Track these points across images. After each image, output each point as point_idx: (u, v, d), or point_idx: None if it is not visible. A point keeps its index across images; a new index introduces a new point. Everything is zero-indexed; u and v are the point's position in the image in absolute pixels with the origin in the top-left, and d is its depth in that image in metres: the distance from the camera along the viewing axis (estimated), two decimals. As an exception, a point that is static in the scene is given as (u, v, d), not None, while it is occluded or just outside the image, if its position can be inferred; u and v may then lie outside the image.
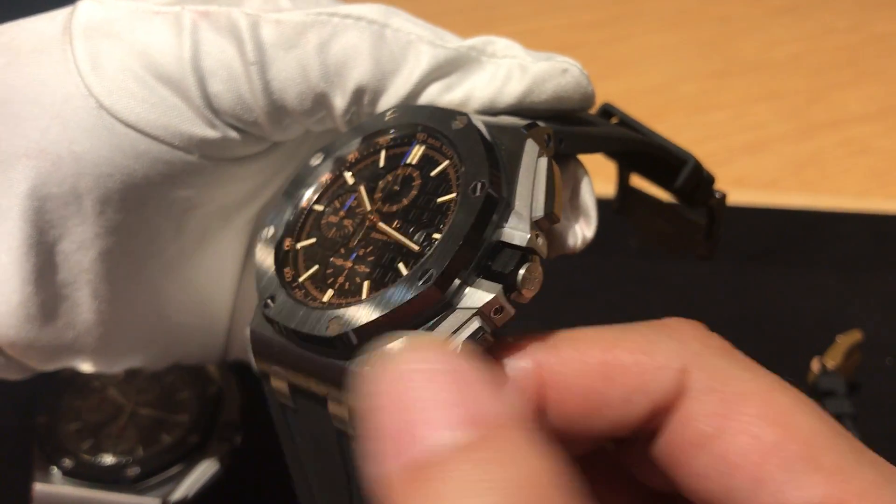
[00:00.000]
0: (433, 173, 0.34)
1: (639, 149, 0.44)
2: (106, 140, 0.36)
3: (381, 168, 0.35)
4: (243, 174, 0.41)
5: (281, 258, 0.34)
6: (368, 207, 0.34)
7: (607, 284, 0.73)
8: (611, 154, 0.48)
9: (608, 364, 0.29)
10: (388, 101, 0.37)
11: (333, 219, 0.35)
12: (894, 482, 0.26)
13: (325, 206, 0.36)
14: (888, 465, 0.27)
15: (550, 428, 0.30)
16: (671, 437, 0.29)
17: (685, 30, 1.12)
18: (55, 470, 0.51)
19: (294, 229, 0.35)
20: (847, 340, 0.63)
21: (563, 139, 0.35)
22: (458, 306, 0.29)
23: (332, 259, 0.33)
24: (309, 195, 0.36)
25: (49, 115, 0.36)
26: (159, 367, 0.47)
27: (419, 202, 0.33)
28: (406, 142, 0.35)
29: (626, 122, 0.43)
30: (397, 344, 0.26)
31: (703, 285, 0.73)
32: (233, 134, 0.37)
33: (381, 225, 0.33)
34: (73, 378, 0.55)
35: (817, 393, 0.61)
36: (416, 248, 0.31)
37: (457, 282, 0.29)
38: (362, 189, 0.35)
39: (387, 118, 0.36)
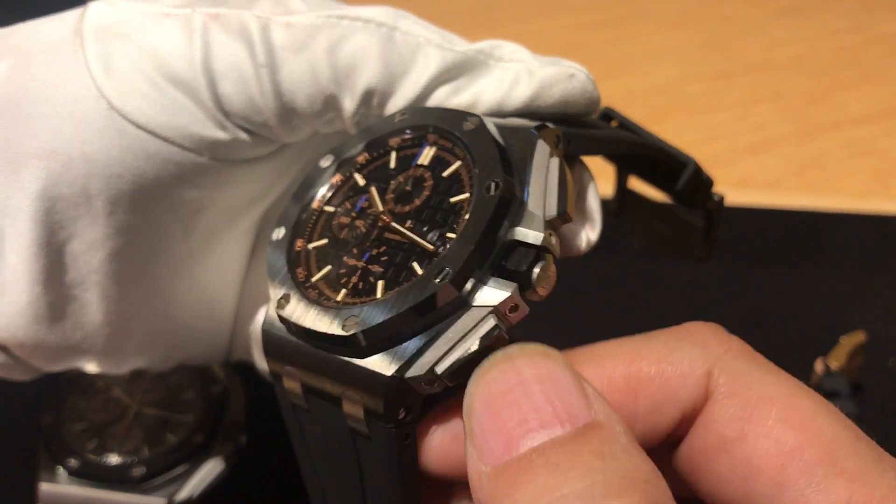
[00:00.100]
0: (445, 174, 0.34)
1: (641, 151, 0.44)
2: (117, 141, 0.36)
3: (392, 169, 0.35)
4: (251, 175, 0.41)
5: (293, 259, 0.34)
6: (381, 208, 0.34)
7: (610, 285, 0.73)
8: (612, 156, 0.48)
9: (633, 377, 0.30)
10: (397, 103, 0.37)
11: (345, 219, 0.35)
12: None
13: (337, 208, 0.36)
14: None
15: None
16: (692, 441, 0.29)
17: (688, 30, 1.12)
18: (61, 470, 0.51)
19: (305, 230, 0.35)
20: (851, 341, 0.63)
21: (571, 141, 0.36)
22: (474, 304, 0.29)
23: (344, 259, 0.33)
24: (319, 196, 0.36)
25: (60, 116, 0.36)
26: (165, 367, 0.47)
27: (431, 202, 0.33)
28: (417, 143, 0.35)
29: (626, 126, 0.44)
30: (497, 354, 0.28)
31: (706, 286, 0.73)
32: (243, 136, 0.38)
33: (395, 225, 0.33)
34: (79, 378, 0.55)
35: (821, 394, 0.61)
36: (430, 247, 0.31)
37: (472, 280, 0.29)
38: (374, 190, 0.35)
39: (397, 120, 0.36)
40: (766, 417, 0.28)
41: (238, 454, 0.53)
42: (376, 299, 0.31)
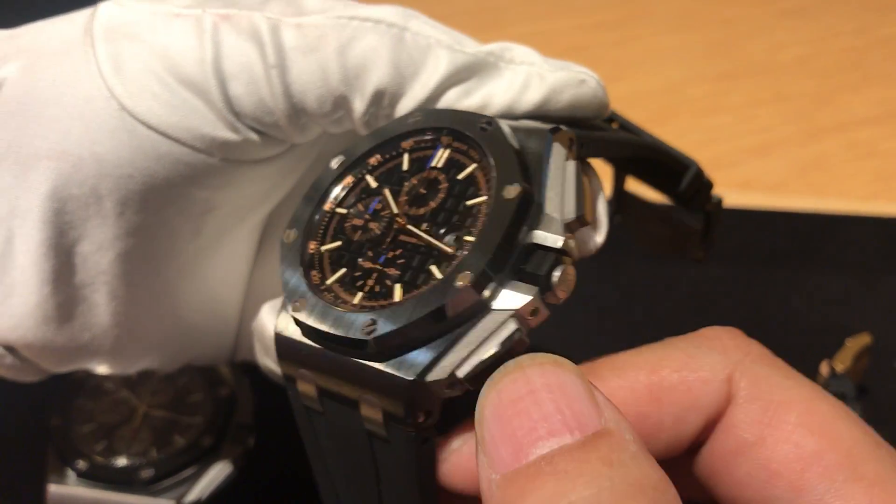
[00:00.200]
0: (460, 176, 0.34)
1: (646, 154, 0.44)
2: (127, 142, 0.36)
3: (405, 171, 0.35)
4: (260, 175, 0.41)
5: (307, 261, 0.34)
6: (395, 210, 0.34)
7: (614, 288, 0.73)
8: (611, 158, 0.48)
9: (656, 386, 0.30)
10: (407, 104, 0.37)
11: (358, 221, 0.35)
12: None
13: (349, 209, 0.36)
14: None
15: None
16: (712, 446, 0.29)
17: (691, 32, 1.13)
18: (69, 471, 0.51)
19: (318, 232, 0.35)
20: (856, 343, 0.63)
21: (583, 143, 0.36)
22: (494, 308, 0.29)
23: (359, 262, 0.33)
24: (331, 198, 0.36)
25: (71, 116, 0.36)
26: (172, 368, 0.47)
27: (447, 205, 0.33)
28: (430, 145, 0.35)
29: (626, 127, 0.44)
30: (509, 363, 0.28)
31: (710, 288, 0.73)
32: (253, 136, 0.38)
33: (411, 227, 0.33)
34: (87, 380, 0.55)
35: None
36: (449, 250, 0.31)
37: (492, 284, 0.29)
38: (387, 192, 0.35)
39: (409, 122, 0.36)
40: (785, 422, 0.28)
41: (246, 456, 0.53)
42: (394, 303, 0.30)
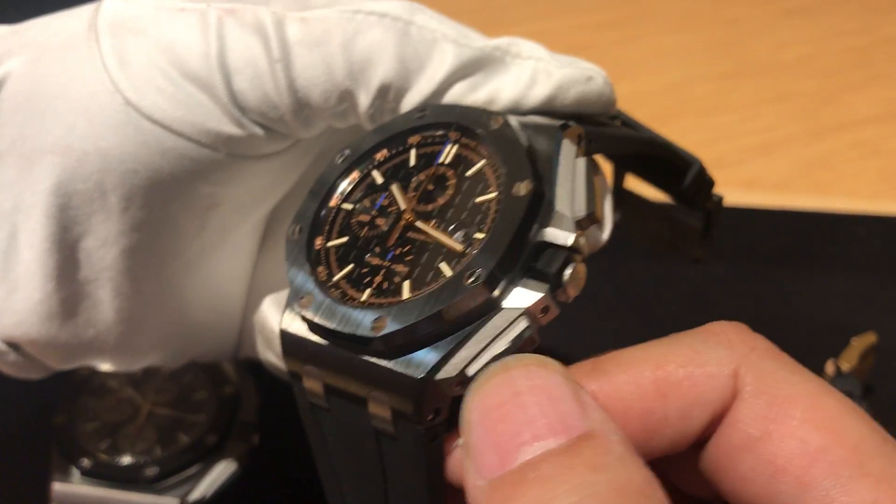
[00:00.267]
0: (469, 173, 0.33)
1: (651, 150, 0.44)
2: (132, 136, 0.36)
3: (412, 167, 0.35)
4: (265, 170, 0.41)
5: (314, 258, 0.34)
6: (403, 206, 0.34)
7: (618, 286, 0.73)
8: (611, 155, 0.48)
9: (661, 381, 0.29)
10: (412, 99, 0.37)
11: (364, 217, 0.34)
12: None
13: (356, 205, 0.35)
14: None
15: None
16: (717, 441, 0.29)
17: (695, 31, 1.12)
18: (73, 469, 0.51)
19: (323, 228, 0.35)
20: (862, 342, 0.62)
21: (591, 140, 0.35)
22: (505, 306, 0.29)
23: (366, 258, 0.33)
24: (337, 194, 0.36)
25: (75, 111, 0.36)
26: (176, 365, 0.47)
27: (456, 201, 0.33)
28: (438, 141, 0.35)
29: (629, 124, 0.43)
30: (494, 366, 0.28)
31: (714, 288, 0.73)
32: (258, 131, 0.37)
33: (420, 224, 0.33)
34: (91, 378, 0.55)
35: (833, 395, 0.61)
36: (459, 247, 0.31)
37: (503, 282, 0.29)
38: (396, 188, 0.35)
39: (416, 117, 0.36)
40: (791, 417, 0.28)
41: (251, 454, 0.53)
42: (403, 300, 0.30)
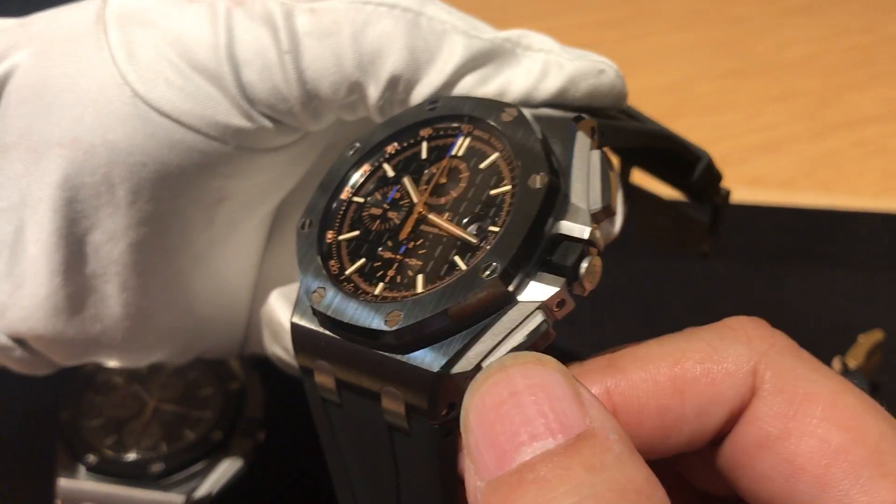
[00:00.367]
0: (482, 165, 0.33)
1: (660, 144, 0.44)
2: (141, 129, 0.36)
3: (424, 160, 0.35)
4: (273, 164, 0.40)
5: (325, 251, 0.34)
6: (416, 199, 0.34)
7: (624, 284, 0.73)
8: (618, 149, 0.48)
9: (678, 378, 0.29)
10: (422, 91, 0.37)
11: (376, 211, 0.34)
12: None
13: (367, 198, 0.35)
14: None
15: None
16: (735, 438, 0.29)
17: (699, 29, 1.12)
18: (79, 466, 0.50)
19: (334, 222, 0.35)
20: (869, 340, 0.62)
21: (604, 132, 0.35)
22: (520, 300, 0.29)
23: (379, 252, 0.33)
24: (347, 187, 0.36)
25: (83, 103, 0.36)
26: (182, 361, 0.47)
27: (469, 194, 0.32)
28: (451, 133, 0.35)
29: (636, 118, 0.43)
30: (492, 365, 0.27)
31: (720, 285, 0.73)
32: (267, 124, 0.37)
33: (433, 217, 0.32)
34: (96, 374, 0.55)
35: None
36: (473, 241, 0.31)
37: (519, 275, 0.29)
38: (408, 181, 0.34)
39: (427, 109, 0.35)
40: (810, 415, 0.27)
41: (257, 451, 0.53)
42: (417, 293, 0.30)
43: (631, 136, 0.41)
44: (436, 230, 0.32)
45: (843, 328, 0.67)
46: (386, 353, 0.30)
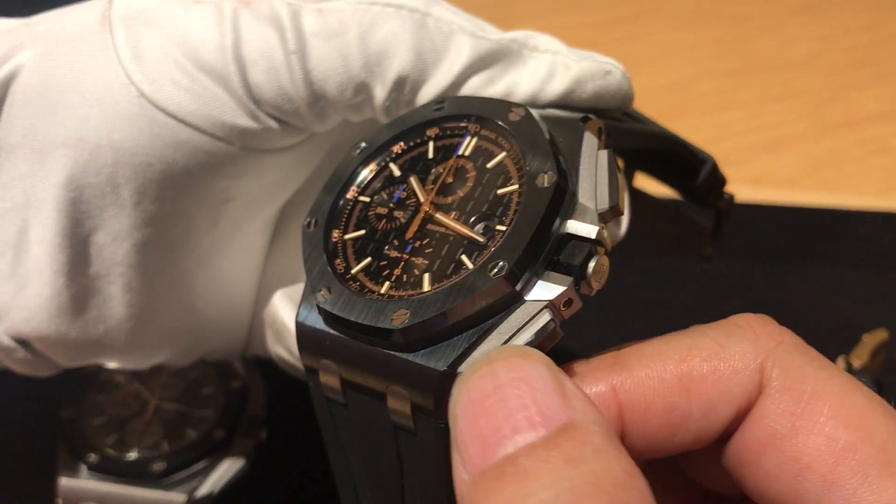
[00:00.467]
0: (490, 165, 0.33)
1: (666, 146, 0.43)
2: (146, 129, 0.36)
3: (431, 159, 0.35)
4: (278, 164, 0.40)
5: (331, 250, 0.34)
6: (422, 198, 0.33)
7: (627, 284, 0.72)
8: (622, 151, 0.48)
9: (685, 376, 0.29)
10: (429, 91, 0.36)
11: (382, 210, 0.34)
12: None
13: (373, 198, 0.35)
14: None
15: (631, 451, 0.29)
16: (741, 436, 0.29)
17: (701, 29, 1.12)
18: (81, 465, 0.50)
19: (340, 221, 0.35)
20: (874, 339, 0.62)
21: (610, 133, 0.35)
22: (528, 299, 0.29)
23: (385, 251, 0.33)
24: (353, 186, 0.36)
25: (88, 103, 0.36)
26: (185, 363, 0.46)
27: (476, 194, 0.32)
28: (457, 133, 0.35)
29: (640, 120, 0.43)
30: (479, 359, 0.27)
31: (722, 285, 0.73)
32: (273, 124, 0.37)
33: (439, 216, 0.32)
34: (98, 373, 0.55)
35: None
36: (481, 240, 0.31)
37: (527, 274, 0.29)
38: (414, 180, 0.34)
39: (434, 109, 0.35)
40: (818, 414, 0.27)
41: (258, 450, 0.53)
42: (424, 292, 0.30)
43: (635, 139, 0.41)
44: (442, 229, 0.32)
45: (845, 327, 0.67)
46: (392, 353, 0.30)
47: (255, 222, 0.44)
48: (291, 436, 0.53)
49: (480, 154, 0.34)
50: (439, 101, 0.36)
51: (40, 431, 0.55)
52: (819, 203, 0.81)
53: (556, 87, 0.36)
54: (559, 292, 0.29)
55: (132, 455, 0.51)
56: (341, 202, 0.35)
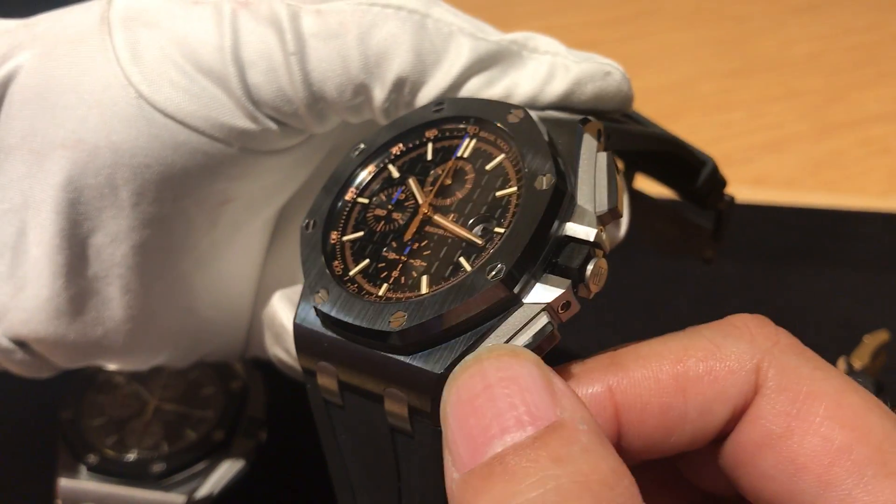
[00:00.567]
0: (488, 167, 0.33)
1: (666, 148, 0.43)
2: (145, 130, 0.36)
3: (429, 161, 0.35)
4: (277, 166, 0.40)
5: (329, 252, 0.34)
6: (421, 200, 0.33)
7: (628, 285, 0.72)
8: (622, 153, 0.47)
9: (681, 377, 0.29)
10: (428, 92, 0.36)
11: (381, 212, 0.34)
12: None
13: (371, 199, 0.35)
14: None
15: (627, 452, 0.29)
16: (737, 436, 0.29)
17: (702, 28, 1.12)
18: (80, 466, 0.50)
19: (338, 222, 0.35)
20: (874, 340, 0.62)
21: (610, 135, 0.35)
22: (525, 301, 0.29)
23: (383, 253, 0.32)
24: (352, 188, 0.35)
25: (87, 104, 0.36)
26: (183, 365, 0.46)
27: (474, 196, 0.32)
28: (456, 134, 0.35)
29: (640, 122, 0.43)
30: (468, 358, 0.27)
31: (723, 285, 0.73)
32: (272, 126, 0.37)
33: (438, 218, 0.32)
34: (97, 374, 0.55)
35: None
36: (479, 242, 0.30)
37: (525, 277, 0.29)
38: (413, 182, 0.34)
39: (433, 110, 0.35)
40: (814, 414, 0.27)
41: (258, 451, 0.53)
42: (421, 294, 0.30)
43: (635, 140, 0.41)
44: (441, 231, 0.32)
45: (845, 328, 0.67)
46: (389, 355, 0.29)
47: (254, 223, 0.43)
48: (291, 437, 0.53)
49: (479, 156, 0.34)
50: (438, 102, 0.35)
51: (40, 432, 0.55)
52: (820, 203, 0.81)
53: (555, 89, 0.36)
54: (557, 295, 0.28)
55: (132, 456, 0.51)
56: (340, 203, 0.35)
